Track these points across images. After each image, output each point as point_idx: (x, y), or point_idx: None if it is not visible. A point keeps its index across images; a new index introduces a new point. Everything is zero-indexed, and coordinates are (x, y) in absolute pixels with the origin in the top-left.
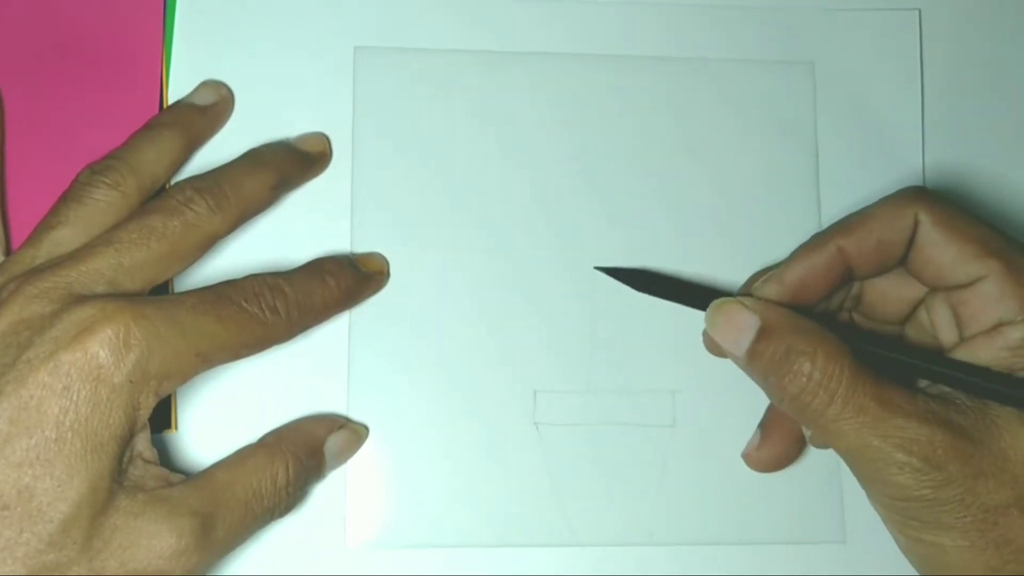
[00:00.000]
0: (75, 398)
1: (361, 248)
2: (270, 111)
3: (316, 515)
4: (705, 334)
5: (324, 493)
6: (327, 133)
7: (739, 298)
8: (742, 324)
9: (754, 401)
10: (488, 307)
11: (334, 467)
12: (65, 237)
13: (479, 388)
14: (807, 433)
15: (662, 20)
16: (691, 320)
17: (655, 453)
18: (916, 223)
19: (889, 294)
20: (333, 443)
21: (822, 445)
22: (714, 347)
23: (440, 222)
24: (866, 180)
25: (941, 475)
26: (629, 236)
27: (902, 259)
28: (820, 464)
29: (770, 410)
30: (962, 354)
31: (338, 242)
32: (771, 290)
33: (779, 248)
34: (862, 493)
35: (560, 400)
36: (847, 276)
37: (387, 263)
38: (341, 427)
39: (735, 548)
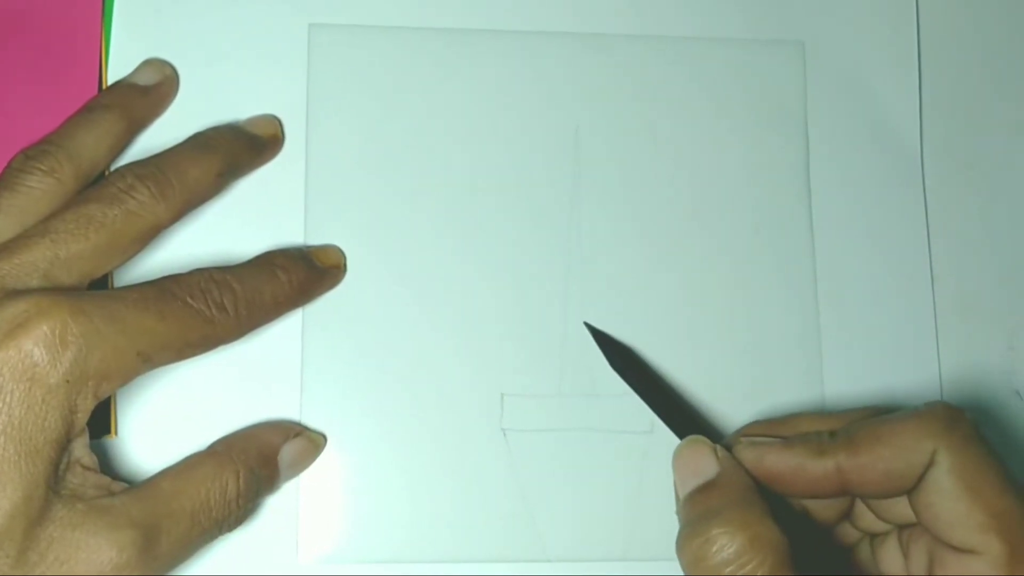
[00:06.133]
0: (7, 400)
1: (316, 240)
2: (217, 92)
3: (267, 529)
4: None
5: (275, 505)
6: (279, 116)
7: (710, 443)
8: (701, 467)
9: (737, 406)
10: (452, 305)
11: (288, 478)
12: None
13: (442, 392)
14: None
15: None
16: (670, 319)
17: (632, 461)
18: (932, 462)
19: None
20: (288, 452)
21: None
22: None
23: (401, 213)
24: (860, 169)
25: None
26: (605, 229)
27: (908, 491)
28: None
29: None
30: None
31: (291, 234)
32: (748, 455)
33: (767, 244)
34: None
35: (529, 404)
36: (842, 493)
37: (344, 257)
38: (297, 435)
39: None
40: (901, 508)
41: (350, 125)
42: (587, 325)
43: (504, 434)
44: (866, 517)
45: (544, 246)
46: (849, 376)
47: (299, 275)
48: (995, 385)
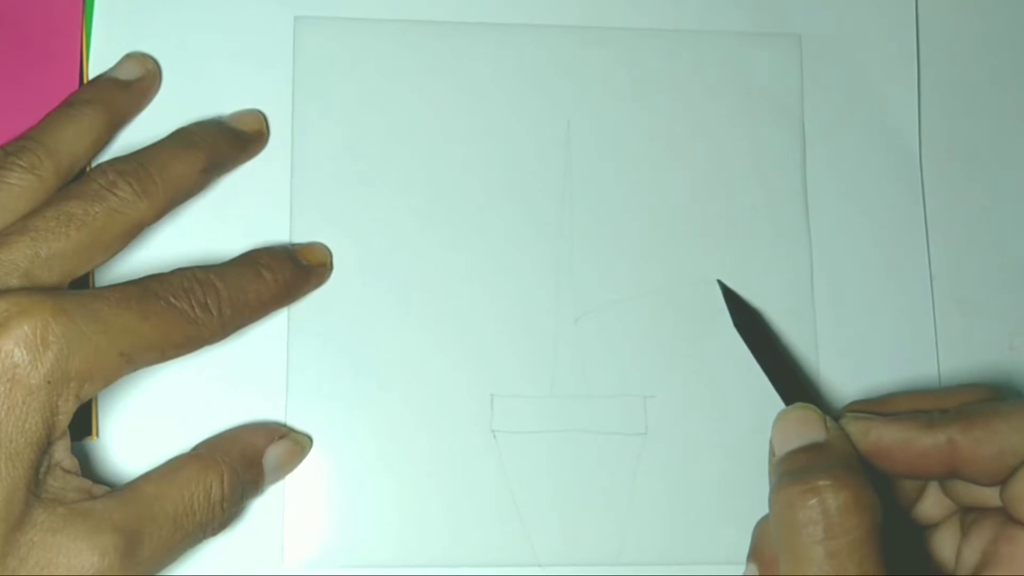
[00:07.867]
0: None
1: (301, 238)
2: (201, 86)
3: (252, 532)
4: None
5: (260, 509)
6: (264, 110)
7: (821, 412)
8: (807, 432)
9: (733, 408)
10: (441, 304)
11: (274, 481)
12: None
13: (430, 393)
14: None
15: None
16: (665, 318)
17: (625, 464)
18: None
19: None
20: (273, 454)
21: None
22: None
23: (389, 209)
24: (857, 164)
25: None
26: (596, 226)
27: (1016, 469)
28: None
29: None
30: None
31: (276, 231)
32: (854, 428)
33: (763, 239)
34: None
35: (520, 405)
36: (947, 472)
37: (330, 255)
38: (282, 437)
39: (712, 568)
40: (976, 488)
41: (336, 120)
42: (719, 283)
43: (494, 436)
44: (926, 502)
45: (535, 243)
46: (847, 376)
47: (284, 274)
48: (995, 385)
